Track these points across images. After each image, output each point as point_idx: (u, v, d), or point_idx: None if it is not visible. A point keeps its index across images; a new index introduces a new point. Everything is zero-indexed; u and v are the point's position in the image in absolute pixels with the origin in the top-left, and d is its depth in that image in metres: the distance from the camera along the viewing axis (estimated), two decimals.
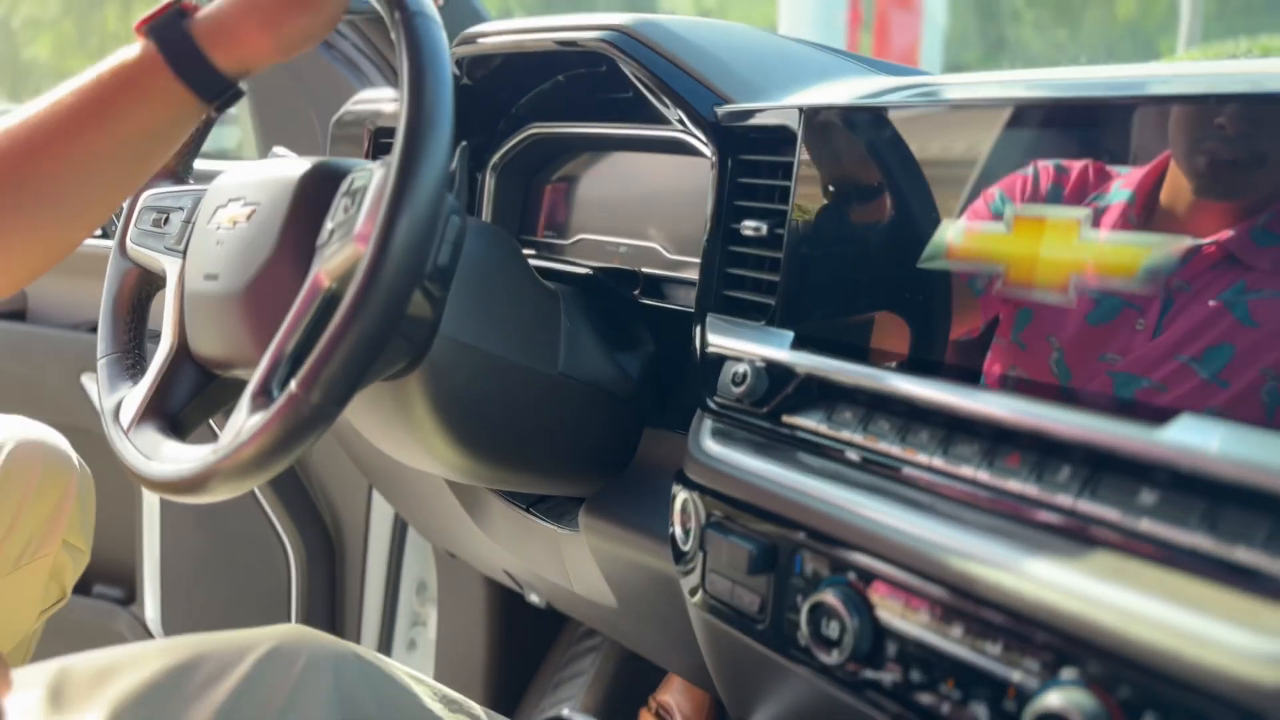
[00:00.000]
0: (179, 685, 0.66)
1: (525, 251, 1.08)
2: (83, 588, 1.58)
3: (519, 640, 1.43)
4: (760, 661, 0.69)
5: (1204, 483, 0.50)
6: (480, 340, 0.80)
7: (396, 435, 0.88)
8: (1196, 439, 0.50)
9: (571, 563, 0.99)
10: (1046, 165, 0.60)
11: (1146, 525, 0.51)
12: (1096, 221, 0.54)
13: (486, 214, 1.12)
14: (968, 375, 0.63)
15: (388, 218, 0.59)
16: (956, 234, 0.64)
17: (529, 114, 1.08)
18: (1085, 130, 0.60)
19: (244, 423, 0.62)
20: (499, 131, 1.11)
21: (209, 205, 0.81)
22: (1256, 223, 0.46)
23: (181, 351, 0.79)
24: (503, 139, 1.11)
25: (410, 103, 0.62)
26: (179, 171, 0.91)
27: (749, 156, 0.80)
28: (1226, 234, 0.48)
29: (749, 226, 0.78)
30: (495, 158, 1.11)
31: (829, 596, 0.61)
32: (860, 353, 0.69)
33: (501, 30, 1.00)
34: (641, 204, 1.01)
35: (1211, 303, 0.47)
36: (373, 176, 0.66)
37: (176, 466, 0.67)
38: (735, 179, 0.80)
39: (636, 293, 0.95)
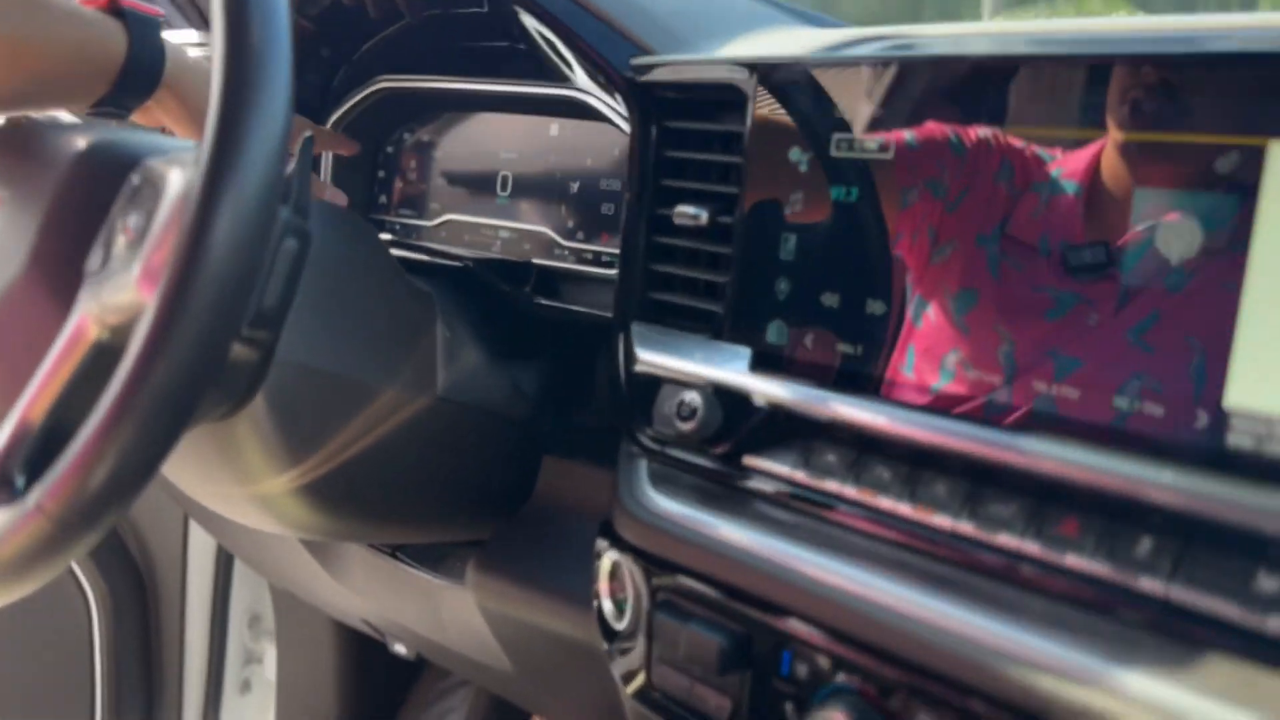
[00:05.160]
0: None
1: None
2: None
3: (374, 683, 1.23)
4: None
5: None
6: (334, 364, 0.61)
7: (221, 488, 0.67)
8: None
9: (452, 617, 0.81)
10: (993, 148, 0.49)
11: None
12: (1047, 212, 0.47)
13: None
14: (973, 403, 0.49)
15: (187, 254, 0.39)
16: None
17: (376, 64, 0.88)
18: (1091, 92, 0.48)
19: None
20: (336, 86, 0.90)
21: None
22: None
23: None
24: (342, 95, 0.89)
25: (227, 53, 0.41)
26: None
27: (680, 124, 0.63)
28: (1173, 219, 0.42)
29: (685, 214, 0.61)
30: (334, 117, 0.90)
31: (838, 714, 0.46)
32: (835, 374, 0.54)
33: None
34: (525, 178, 0.83)
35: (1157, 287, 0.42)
36: (168, 177, 0.45)
37: None
38: (661, 153, 0.63)
39: (529, 290, 0.77)
